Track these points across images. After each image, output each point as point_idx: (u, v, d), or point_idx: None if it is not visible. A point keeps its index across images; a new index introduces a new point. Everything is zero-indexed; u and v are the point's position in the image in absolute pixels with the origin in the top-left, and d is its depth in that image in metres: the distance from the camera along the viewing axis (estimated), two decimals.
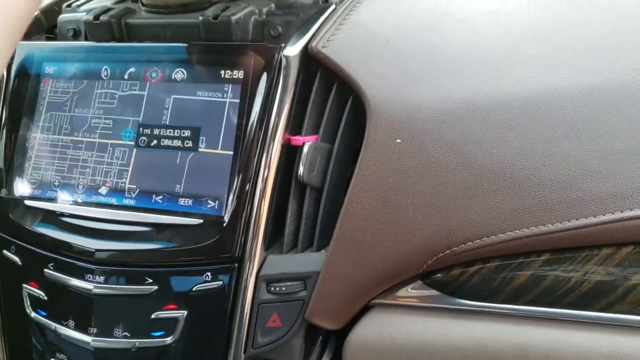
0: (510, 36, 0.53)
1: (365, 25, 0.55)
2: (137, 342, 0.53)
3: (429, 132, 0.49)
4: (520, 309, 0.49)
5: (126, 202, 0.54)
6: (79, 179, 0.55)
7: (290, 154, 0.53)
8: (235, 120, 0.52)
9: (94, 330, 0.53)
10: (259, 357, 0.54)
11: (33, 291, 0.56)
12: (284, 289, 0.51)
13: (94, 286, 0.53)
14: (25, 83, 0.59)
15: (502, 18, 0.55)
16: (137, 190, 0.54)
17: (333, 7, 0.58)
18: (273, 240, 0.54)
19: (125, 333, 0.53)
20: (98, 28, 0.58)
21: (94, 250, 0.53)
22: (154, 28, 0.58)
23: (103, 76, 0.56)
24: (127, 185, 0.54)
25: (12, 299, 0.57)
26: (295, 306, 0.52)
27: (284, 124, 0.52)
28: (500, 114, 0.48)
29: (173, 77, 0.54)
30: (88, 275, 0.53)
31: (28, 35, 0.64)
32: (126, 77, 0.56)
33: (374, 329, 0.52)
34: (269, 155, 0.51)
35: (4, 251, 0.57)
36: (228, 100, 0.52)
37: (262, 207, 0.51)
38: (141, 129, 0.54)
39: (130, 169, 0.54)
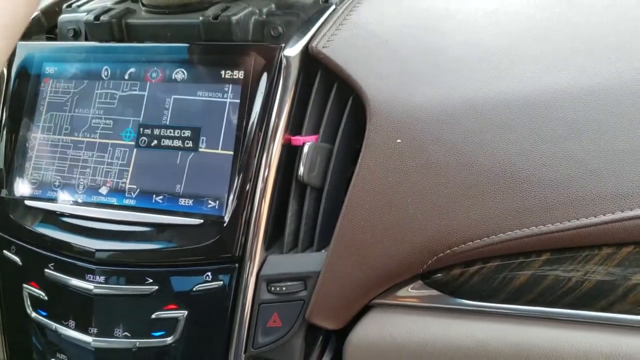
0: (510, 36, 0.53)
1: (366, 26, 0.55)
2: (138, 342, 0.53)
3: (429, 132, 0.49)
4: (520, 308, 0.49)
5: (126, 202, 0.54)
6: (79, 179, 0.55)
7: (290, 154, 0.53)
8: (235, 120, 0.52)
9: (95, 330, 0.53)
10: (260, 357, 0.54)
11: (33, 291, 0.56)
12: (284, 289, 0.51)
13: (95, 286, 0.53)
14: (26, 83, 0.59)
15: (501, 18, 0.55)
16: (138, 190, 0.54)
17: (333, 7, 0.58)
18: (273, 240, 0.54)
19: (126, 333, 0.53)
20: (98, 28, 0.58)
21: (94, 251, 0.53)
22: (155, 28, 0.58)
23: (103, 76, 0.56)
24: (128, 186, 0.54)
25: (13, 299, 0.57)
26: (295, 306, 0.52)
27: (284, 124, 0.52)
28: (501, 114, 0.48)
29: (173, 77, 0.54)
30: (88, 275, 0.53)
31: (28, 36, 0.64)
32: (126, 77, 0.56)
33: (374, 329, 0.53)
34: (269, 156, 0.51)
35: (5, 251, 0.57)
36: (228, 100, 0.52)
37: (263, 207, 0.51)
38: (141, 129, 0.54)
39: (130, 169, 0.54)
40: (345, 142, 0.54)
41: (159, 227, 0.52)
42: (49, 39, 0.67)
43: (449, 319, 0.51)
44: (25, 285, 0.56)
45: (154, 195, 0.53)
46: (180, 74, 0.54)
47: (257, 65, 0.52)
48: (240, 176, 0.51)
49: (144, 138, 0.54)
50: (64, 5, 0.65)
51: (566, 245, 0.47)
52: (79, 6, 0.65)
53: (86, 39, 0.61)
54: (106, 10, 0.59)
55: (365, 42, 0.54)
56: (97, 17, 0.58)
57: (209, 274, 0.52)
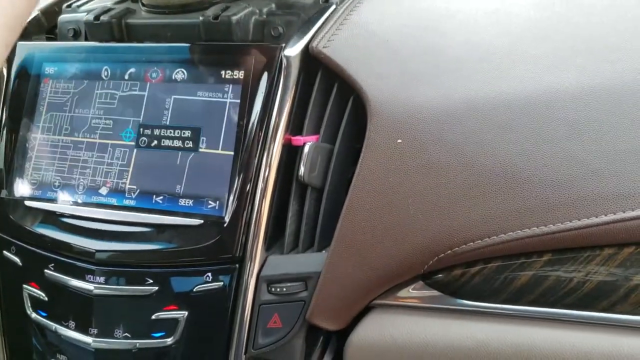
0: (511, 36, 0.53)
1: (366, 26, 0.55)
2: (138, 342, 0.53)
3: (430, 132, 0.48)
4: (521, 309, 0.49)
5: (126, 202, 0.54)
6: (79, 179, 0.55)
7: (291, 154, 0.53)
8: (235, 120, 0.52)
9: (95, 331, 0.53)
10: (260, 358, 0.53)
11: (33, 292, 0.56)
12: (284, 289, 0.51)
13: (95, 287, 0.53)
14: (26, 83, 0.58)
15: (502, 18, 0.55)
16: (138, 190, 0.54)
17: (334, 7, 0.58)
18: (274, 241, 0.54)
19: (126, 334, 0.53)
20: (98, 28, 0.58)
21: (94, 251, 0.53)
22: (154, 28, 0.58)
23: (103, 76, 0.56)
24: (128, 186, 0.54)
25: (13, 300, 0.57)
26: (296, 307, 0.52)
27: (285, 124, 0.52)
28: (501, 114, 0.48)
29: (173, 78, 0.54)
30: (88, 275, 0.53)
31: (28, 36, 0.64)
32: (126, 77, 0.56)
33: (375, 329, 0.52)
34: (270, 156, 0.51)
35: (4, 252, 0.57)
36: (228, 100, 0.52)
37: (263, 207, 0.51)
38: (141, 129, 0.54)
39: (130, 169, 0.54)
40: (345, 142, 0.53)
41: (159, 227, 0.52)
42: (48, 39, 0.67)
43: (449, 319, 0.51)
44: (25, 285, 0.56)
45: (154, 196, 0.53)
46: (180, 74, 0.54)
47: (257, 65, 0.52)
48: (241, 176, 0.51)
49: (144, 138, 0.54)
50: (64, 5, 0.65)
51: (567, 246, 0.46)
52: (78, 6, 0.65)
53: (86, 39, 0.61)
54: (106, 10, 0.59)
55: (365, 42, 0.54)
56: (97, 17, 0.58)
57: (209, 274, 0.52)
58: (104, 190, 0.54)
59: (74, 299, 0.54)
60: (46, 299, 0.55)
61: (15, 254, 0.57)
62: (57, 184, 0.56)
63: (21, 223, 0.56)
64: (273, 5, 0.58)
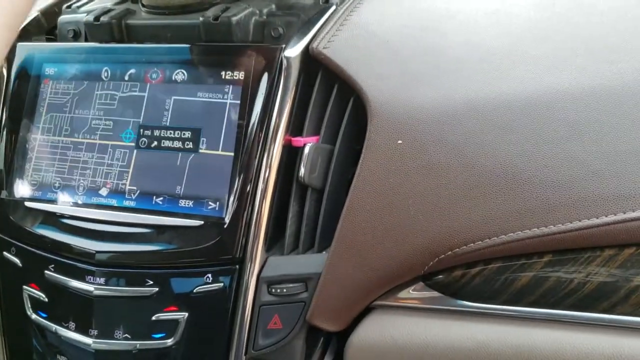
0: (511, 36, 0.53)
1: (366, 26, 0.55)
2: (138, 344, 0.53)
3: (430, 133, 0.48)
4: (522, 310, 0.49)
5: (127, 203, 0.54)
6: (79, 180, 0.55)
7: (291, 155, 0.53)
8: (236, 121, 0.52)
9: (95, 332, 0.53)
10: (260, 358, 0.53)
11: (33, 293, 0.56)
12: (285, 290, 0.51)
13: (95, 288, 0.53)
14: (26, 84, 0.58)
15: (502, 18, 0.55)
16: (138, 191, 0.53)
17: (334, 8, 0.58)
18: (274, 242, 0.54)
19: (126, 335, 0.53)
20: (98, 29, 0.58)
21: (94, 252, 0.53)
22: (154, 29, 0.57)
23: (103, 77, 0.56)
24: (128, 187, 0.54)
25: (13, 301, 0.57)
26: (296, 308, 0.52)
27: (285, 125, 0.51)
28: (502, 115, 0.48)
29: (173, 78, 0.54)
30: (88, 276, 0.53)
31: (28, 36, 0.64)
32: (126, 78, 0.56)
33: (375, 330, 0.52)
34: (270, 157, 0.51)
35: (5, 253, 0.57)
36: (229, 101, 0.52)
37: (263, 208, 0.51)
38: (141, 130, 0.54)
39: (130, 170, 0.54)
40: (346, 143, 0.53)
41: (159, 228, 0.52)
42: (48, 39, 0.67)
43: (450, 320, 0.51)
44: (25, 286, 0.56)
45: (154, 197, 0.53)
46: (180, 74, 0.54)
47: (257, 66, 0.52)
48: (241, 177, 0.51)
49: (144, 139, 0.54)
50: (64, 6, 0.65)
51: (568, 247, 0.46)
52: (78, 7, 0.64)
53: (86, 40, 0.61)
54: (106, 11, 0.59)
55: (366, 43, 0.54)
56: (97, 18, 0.58)
57: (210, 275, 0.51)
58: (104, 191, 0.54)
59: (74, 300, 0.54)
60: (46, 300, 0.55)
61: (16, 255, 0.57)
62: (57, 184, 0.56)
63: (21, 224, 0.56)
64: (273, 6, 0.58)
